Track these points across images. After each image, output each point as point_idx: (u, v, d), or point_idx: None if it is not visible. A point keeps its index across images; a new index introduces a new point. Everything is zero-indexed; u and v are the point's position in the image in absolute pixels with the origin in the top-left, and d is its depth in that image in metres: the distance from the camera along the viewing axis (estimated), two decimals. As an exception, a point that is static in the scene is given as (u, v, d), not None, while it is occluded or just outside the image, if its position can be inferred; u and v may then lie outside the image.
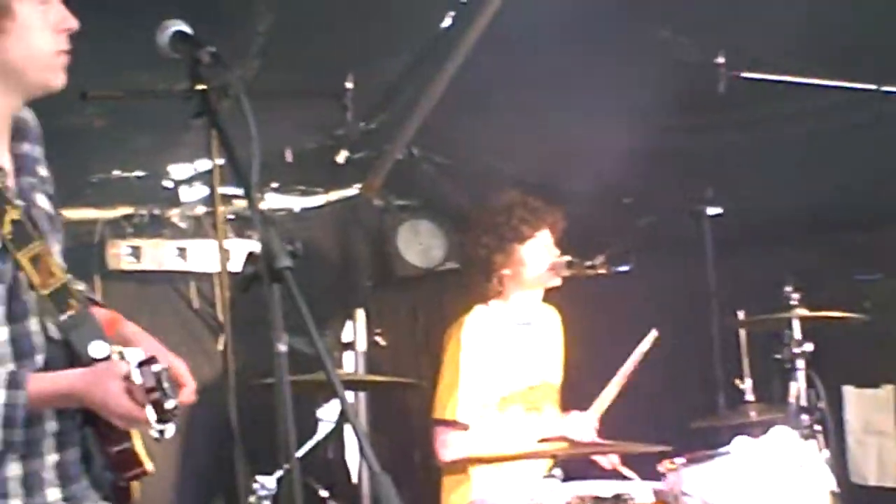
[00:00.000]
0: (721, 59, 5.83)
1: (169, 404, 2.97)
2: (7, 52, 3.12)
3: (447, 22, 6.19)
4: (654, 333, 5.93)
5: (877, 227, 6.84)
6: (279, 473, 4.69)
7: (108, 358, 3.15)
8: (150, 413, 2.96)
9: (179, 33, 3.41)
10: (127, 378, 3.00)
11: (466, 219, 6.52)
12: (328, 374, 3.00)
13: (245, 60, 5.60)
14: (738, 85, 5.85)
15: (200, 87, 3.36)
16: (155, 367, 3.02)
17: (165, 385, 2.99)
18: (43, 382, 3.05)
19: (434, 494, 5.91)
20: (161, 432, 3.01)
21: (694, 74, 5.96)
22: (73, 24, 3.26)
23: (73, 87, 5.24)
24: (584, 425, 5.86)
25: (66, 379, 3.07)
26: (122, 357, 3.20)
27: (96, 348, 3.14)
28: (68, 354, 3.16)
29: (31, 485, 3.09)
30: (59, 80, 3.28)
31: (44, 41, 3.18)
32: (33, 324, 3.14)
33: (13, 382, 3.00)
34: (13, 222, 3.08)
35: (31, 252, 3.13)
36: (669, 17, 5.95)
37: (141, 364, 3.04)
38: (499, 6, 5.90)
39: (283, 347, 3.02)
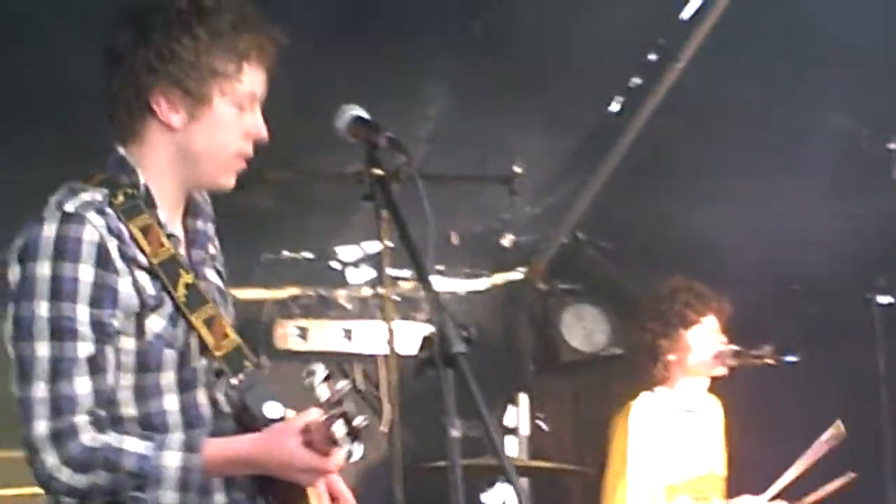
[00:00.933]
0: (894, 146, 5.73)
1: (357, 421, 2.93)
2: (193, 139, 3.09)
3: (615, 106, 6.19)
4: (838, 424, 5.78)
5: None
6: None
7: (282, 418, 3.09)
8: (338, 428, 2.91)
9: (357, 118, 3.43)
10: (305, 431, 2.97)
11: (631, 304, 6.47)
12: (502, 460, 2.97)
13: (414, 144, 5.65)
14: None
15: (377, 171, 3.35)
16: (339, 385, 3.01)
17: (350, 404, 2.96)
18: (219, 447, 3.02)
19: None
20: (350, 452, 2.98)
21: (867, 160, 5.87)
22: (264, 135, 3.26)
23: (247, 168, 5.38)
24: None
25: (243, 444, 3.04)
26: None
27: (271, 409, 3.10)
28: (239, 422, 3.15)
29: None
30: (229, 182, 3.26)
31: (230, 140, 3.16)
32: (201, 395, 3.12)
33: (189, 446, 2.97)
34: (187, 286, 3.07)
35: (204, 314, 3.12)
36: (844, 103, 5.89)
37: (326, 378, 3.04)
38: (666, 91, 5.90)
39: (456, 433, 2.99)
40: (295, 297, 6.97)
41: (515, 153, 5.93)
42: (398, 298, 6.83)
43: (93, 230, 2.92)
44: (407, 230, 3.25)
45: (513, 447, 6.95)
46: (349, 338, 6.97)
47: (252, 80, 3.16)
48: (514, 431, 7.04)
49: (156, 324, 3.02)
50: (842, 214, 6.46)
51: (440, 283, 7.05)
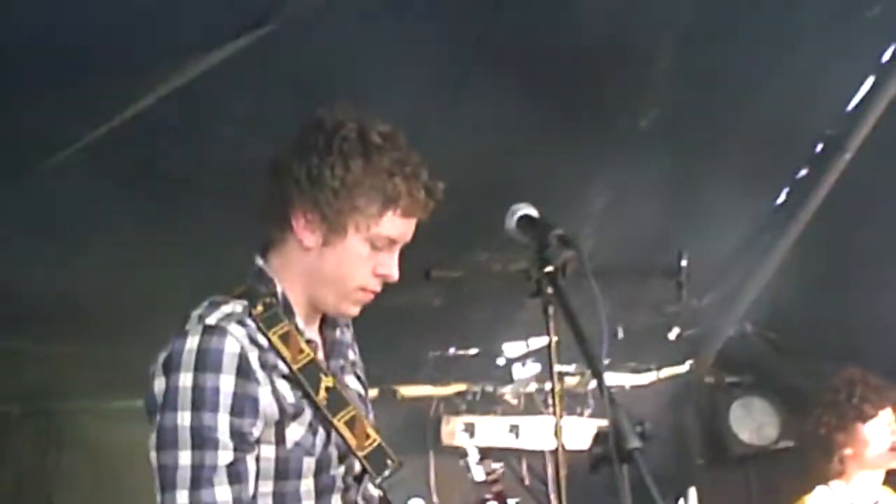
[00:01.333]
0: None
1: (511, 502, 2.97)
2: (323, 263, 3.12)
3: (782, 198, 6.16)
4: None
5: None
6: None
7: None
8: None
9: (527, 217, 3.47)
10: None
11: (801, 396, 6.37)
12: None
13: (579, 238, 5.65)
14: None
15: (548, 268, 3.37)
16: (494, 465, 3.05)
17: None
18: None
19: None
20: None
21: None
22: (394, 278, 3.26)
23: (415, 266, 5.44)
24: None
25: None
26: None
27: None
28: None
29: None
30: (351, 312, 3.27)
31: (356, 273, 3.16)
32: (336, 500, 3.16)
33: None
34: (327, 389, 3.11)
35: (346, 416, 3.15)
36: None
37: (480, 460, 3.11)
38: (834, 182, 5.86)
39: (633, 534, 2.98)
40: (461, 393, 7.01)
41: (682, 246, 5.90)
42: (563, 394, 6.82)
43: (234, 341, 2.96)
44: (579, 325, 3.26)
45: (684, 542, 6.88)
46: (516, 434, 6.98)
47: (394, 226, 3.17)
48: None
49: (295, 432, 3.06)
50: None
51: (606, 378, 7.02)
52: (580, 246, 3.44)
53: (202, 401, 2.92)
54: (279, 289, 3.14)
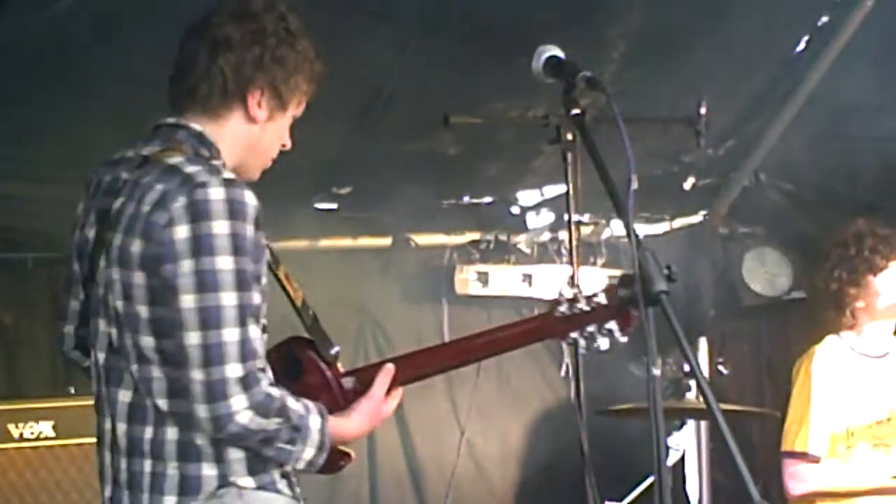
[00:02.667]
0: None
1: None
2: (263, 137, 3.40)
3: (801, 46, 6.10)
4: None
5: None
6: (628, 500, 4.66)
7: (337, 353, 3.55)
8: None
9: (555, 58, 3.44)
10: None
11: (814, 247, 6.37)
12: (707, 399, 2.97)
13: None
14: None
15: (575, 111, 3.36)
16: None
17: None
18: (334, 418, 3.35)
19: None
20: None
21: None
22: (289, 146, 3.52)
23: (433, 113, 5.42)
24: None
25: (341, 427, 3.38)
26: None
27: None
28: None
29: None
30: (254, 177, 3.49)
31: (277, 146, 3.47)
32: None
33: (323, 413, 3.27)
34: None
35: (283, 271, 3.52)
36: None
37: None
38: (856, 28, 5.79)
39: (657, 371, 3.00)
40: (475, 242, 7.01)
41: (701, 94, 5.86)
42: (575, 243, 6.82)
43: (251, 194, 3.16)
44: (605, 169, 3.27)
45: (692, 392, 6.91)
46: (529, 283, 6.99)
47: (304, 103, 3.49)
48: (691, 375, 6.98)
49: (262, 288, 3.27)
50: None
51: (619, 227, 7.03)
52: (607, 88, 3.43)
53: (240, 247, 3.10)
54: (223, 155, 3.33)
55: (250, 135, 3.36)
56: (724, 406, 6.20)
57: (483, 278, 6.93)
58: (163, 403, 3.16)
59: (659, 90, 6.06)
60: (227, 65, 3.29)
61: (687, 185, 6.85)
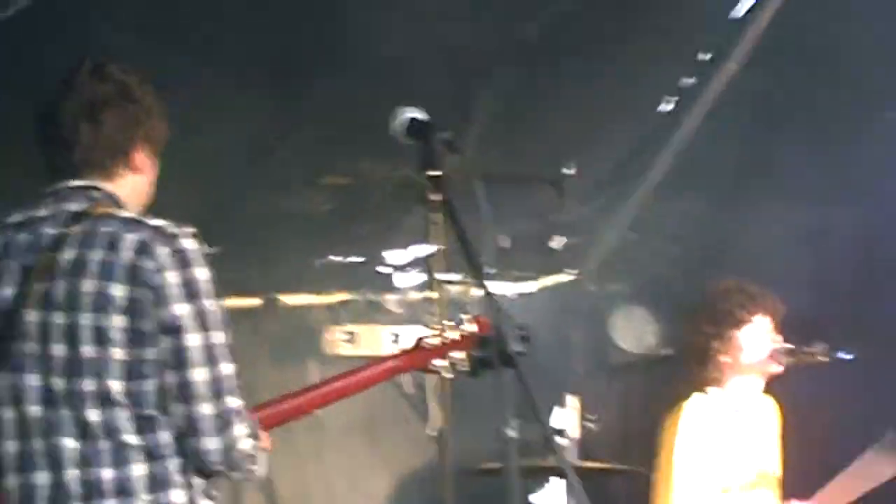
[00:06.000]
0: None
1: None
2: (146, 185, 3.56)
3: (667, 107, 6.20)
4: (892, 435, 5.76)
5: None
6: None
7: None
8: None
9: (414, 119, 3.47)
10: None
11: (681, 305, 6.45)
12: (560, 460, 3.00)
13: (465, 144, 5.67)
14: None
15: (433, 172, 3.39)
16: None
17: None
18: None
19: None
20: None
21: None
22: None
23: (301, 174, 5.43)
24: None
25: None
26: None
27: None
28: None
29: None
30: None
31: (150, 191, 3.60)
32: None
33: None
34: None
35: None
36: None
37: None
38: (719, 92, 5.91)
39: (513, 433, 3.02)
40: (344, 302, 7.00)
41: (566, 155, 5.93)
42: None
43: None
44: (464, 230, 3.29)
45: (563, 447, 6.95)
46: (398, 342, 6.98)
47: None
48: (562, 434, 7.03)
49: None
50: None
51: (489, 286, 7.04)
52: (466, 151, 3.46)
53: (216, 292, 3.33)
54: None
55: (137, 185, 3.50)
56: (591, 463, 6.34)
57: (352, 338, 6.90)
58: (133, 440, 3.27)
59: (523, 151, 6.12)
60: (111, 128, 3.43)
61: (555, 244, 6.89)
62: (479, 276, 3.21)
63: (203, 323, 3.27)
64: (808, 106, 6.19)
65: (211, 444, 3.28)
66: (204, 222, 5.99)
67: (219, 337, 3.30)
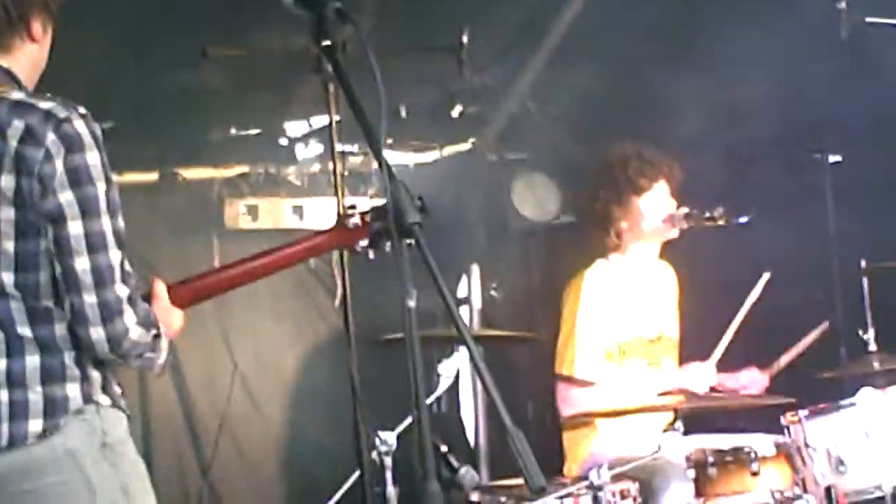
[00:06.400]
0: (843, 5, 5.72)
1: None
2: (42, 54, 3.50)
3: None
4: (765, 276, 5.87)
5: None
6: (400, 429, 4.70)
7: None
8: None
9: (305, -11, 3.42)
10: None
11: (582, 172, 6.49)
12: (460, 328, 3.00)
13: (360, 17, 5.60)
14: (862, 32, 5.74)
15: (325, 42, 3.35)
16: None
17: None
18: None
19: (548, 447, 5.90)
20: None
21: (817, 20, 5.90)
22: None
23: (194, 46, 5.35)
24: (703, 376, 5.81)
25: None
26: None
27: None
28: None
29: None
30: None
31: (45, 59, 3.54)
32: None
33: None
34: None
35: None
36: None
37: None
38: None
39: (412, 303, 3.02)
40: (244, 175, 6.95)
41: (463, 24, 5.90)
42: (347, 174, 6.81)
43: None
44: (358, 101, 3.26)
45: (465, 316, 7.00)
46: (300, 215, 6.97)
47: None
48: (466, 302, 7.08)
49: None
50: (791, 75, 6.49)
51: (389, 157, 7.00)
52: (358, 20, 3.43)
53: (108, 176, 3.29)
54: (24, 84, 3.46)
55: (34, 55, 3.44)
56: (494, 332, 6.40)
57: (253, 212, 6.88)
58: (27, 332, 3.28)
59: (422, 20, 6.08)
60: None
61: (454, 113, 6.89)
62: (375, 147, 3.18)
63: (86, 210, 3.23)
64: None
65: (96, 333, 3.26)
66: (98, 98, 5.98)
67: (103, 224, 3.25)
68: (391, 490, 4.68)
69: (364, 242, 3.68)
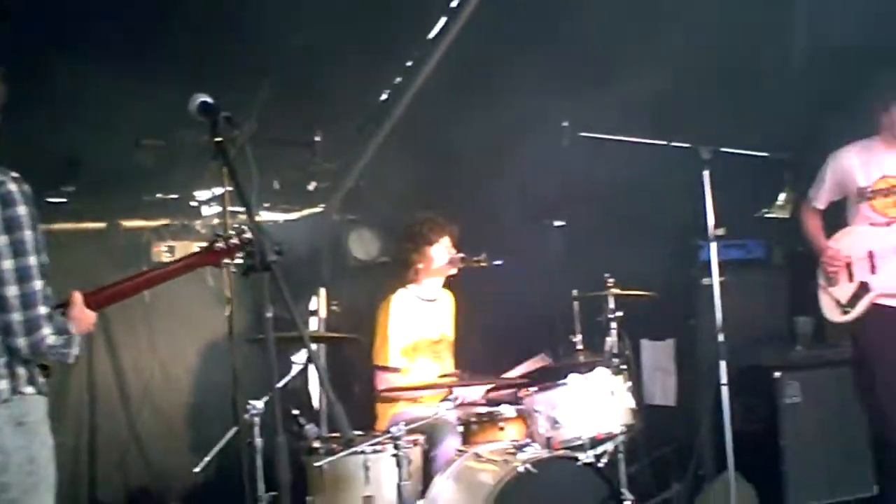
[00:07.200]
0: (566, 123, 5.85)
1: None
2: None
3: (384, 97, 6.24)
4: (544, 357, 5.94)
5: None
6: (265, 398, 4.69)
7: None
8: None
9: (204, 102, 3.44)
10: None
11: (394, 229, 6.52)
12: (301, 332, 3.03)
13: (250, 120, 5.61)
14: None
15: (217, 139, 3.37)
16: None
17: None
18: None
19: (369, 416, 5.90)
20: None
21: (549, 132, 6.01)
22: None
23: (130, 136, 5.28)
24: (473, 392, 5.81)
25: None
26: None
27: None
28: None
29: None
30: None
31: None
32: None
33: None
34: None
35: None
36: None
37: None
38: (420, 85, 5.98)
39: (270, 314, 3.05)
40: (166, 225, 6.84)
41: (318, 125, 5.92)
42: (237, 225, 6.75)
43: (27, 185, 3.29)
44: (238, 179, 3.29)
45: (315, 324, 6.99)
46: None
47: None
48: (315, 313, 7.06)
49: None
50: (532, 169, 6.61)
51: (267, 216, 6.99)
52: (241, 125, 3.46)
53: (34, 225, 3.27)
54: None
55: None
56: (334, 335, 6.37)
57: (171, 251, 6.75)
58: None
59: (291, 122, 6.09)
60: None
61: (311, 187, 6.87)
62: (248, 211, 3.21)
63: (17, 250, 3.18)
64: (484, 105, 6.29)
65: (20, 343, 3.21)
66: (63, 170, 5.87)
67: (30, 261, 3.21)
68: (258, 440, 4.67)
69: (228, 260, 3.61)
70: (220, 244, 3.62)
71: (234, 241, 3.56)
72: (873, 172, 5.36)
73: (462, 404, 5.51)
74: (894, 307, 5.30)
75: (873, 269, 5.32)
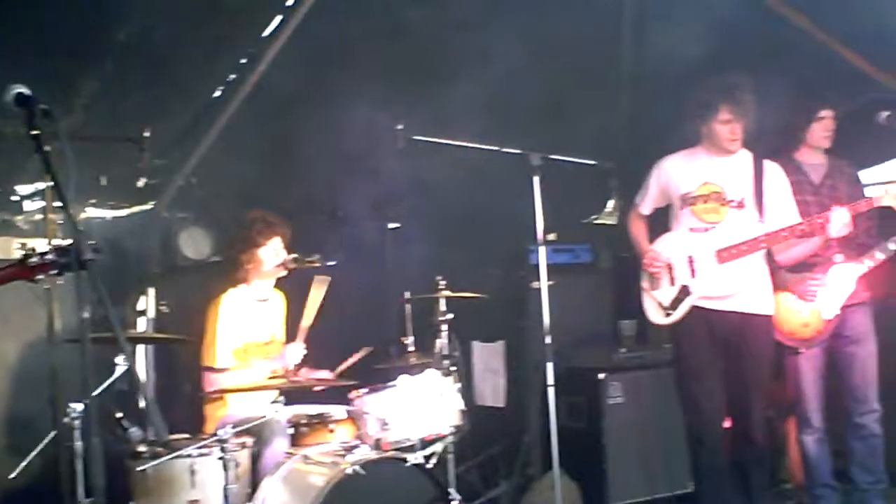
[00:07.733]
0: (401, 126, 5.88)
1: None
2: None
3: (218, 93, 6.16)
4: (325, 280, 5.78)
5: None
6: (86, 401, 4.55)
7: None
8: None
9: (21, 94, 3.32)
10: None
11: (226, 228, 6.44)
12: (116, 332, 2.97)
13: (75, 114, 5.44)
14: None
15: (34, 132, 3.26)
16: None
17: None
18: None
19: (199, 416, 5.82)
20: None
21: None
22: None
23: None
24: (296, 351, 5.78)
25: None
26: None
27: None
28: None
29: None
30: None
31: None
32: None
33: None
34: None
35: None
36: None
37: None
38: (256, 81, 5.92)
39: (86, 314, 2.97)
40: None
41: (147, 121, 5.78)
42: (61, 222, 6.53)
43: None
44: (55, 174, 3.19)
45: (142, 324, 6.82)
46: (24, 250, 6.58)
47: None
48: (144, 313, 6.89)
49: None
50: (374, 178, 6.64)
51: (94, 212, 6.79)
52: (61, 119, 3.36)
53: None
54: None
55: None
56: (162, 335, 6.24)
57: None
58: None
59: (119, 117, 5.93)
60: None
61: (140, 184, 6.70)
62: (65, 207, 3.12)
63: None
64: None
65: None
66: None
67: None
68: (78, 444, 4.53)
69: (41, 276, 3.47)
70: (35, 259, 3.48)
71: (50, 256, 3.43)
72: (696, 179, 5.58)
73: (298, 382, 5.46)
74: (713, 309, 5.52)
75: (693, 273, 5.54)
